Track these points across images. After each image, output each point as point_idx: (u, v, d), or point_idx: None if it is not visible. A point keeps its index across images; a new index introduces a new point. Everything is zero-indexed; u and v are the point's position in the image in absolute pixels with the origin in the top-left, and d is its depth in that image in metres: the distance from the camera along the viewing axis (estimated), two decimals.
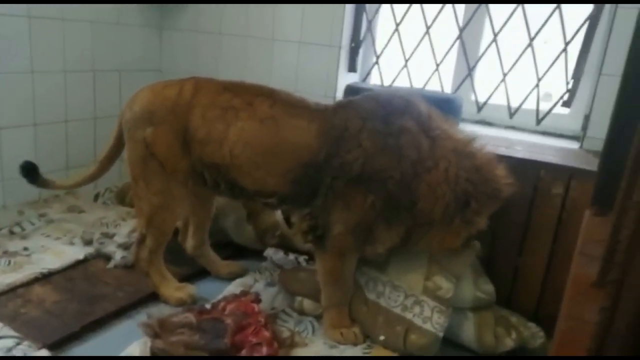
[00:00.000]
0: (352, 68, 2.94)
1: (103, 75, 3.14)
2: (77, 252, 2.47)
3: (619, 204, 0.59)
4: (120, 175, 3.32)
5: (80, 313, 2.03)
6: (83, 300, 2.13)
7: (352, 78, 2.95)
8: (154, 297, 2.23)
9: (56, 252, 2.43)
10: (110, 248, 2.48)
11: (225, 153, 2.02)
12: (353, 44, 2.90)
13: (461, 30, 2.66)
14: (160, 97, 2.10)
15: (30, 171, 2.27)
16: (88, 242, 2.55)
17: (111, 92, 3.21)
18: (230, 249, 2.69)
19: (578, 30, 2.39)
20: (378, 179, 1.86)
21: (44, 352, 1.77)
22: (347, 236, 1.93)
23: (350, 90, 2.62)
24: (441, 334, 1.94)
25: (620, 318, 0.45)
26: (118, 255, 2.42)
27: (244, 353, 1.82)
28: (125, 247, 2.51)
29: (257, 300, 2.16)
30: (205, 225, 2.44)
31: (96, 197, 3.12)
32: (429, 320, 1.95)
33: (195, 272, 2.46)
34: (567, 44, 2.42)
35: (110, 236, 2.60)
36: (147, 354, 1.81)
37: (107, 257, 2.45)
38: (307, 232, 2.00)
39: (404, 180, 1.85)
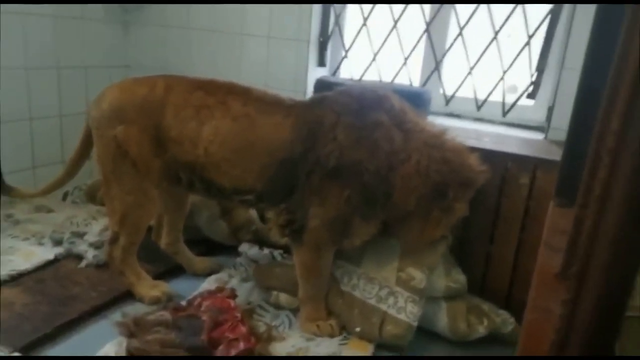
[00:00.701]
0: (321, 62, 2.95)
1: (68, 72, 3.06)
2: (47, 253, 2.42)
3: (580, 197, 0.63)
4: (89, 173, 3.25)
5: (52, 315, 2.00)
6: (55, 301, 2.09)
7: (322, 72, 2.96)
8: (128, 296, 2.20)
9: (25, 254, 2.38)
10: (81, 247, 2.44)
11: (200, 152, 2.00)
12: (321, 39, 2.91)
13: (428, 24, 2.70)
14: (131, 94, 2.07)
15: None
16: (58, 242, 2.50)
17: (77, 89, 3.13)
18: (204, 246, 2.68)
19: (540, 25, 2.46)
20: (354, 172, 1.88)
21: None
22: (324, 230, 1.95)
23: (321, 84, 2.64)
24: (415, 324, 1.98)
25: (582, 310, 0.47)
26: (90, 254, 2.39)
27: (221, 349, 1.82)
28: (96, 246, 2.47)
29: (233, 295, 2.17)
30: (180, 222, 2.42)
31: (65, 196, 3.06)
32: (403, 310, 1.99)
33: (170, 269, 2.45)
34: (530, 37, 2.49)
35: (81, 235, 2.55)
36: (123, 354, 1.80)
37: (79, 257, 2.41)
38: (284, 226, 2.01)
39: (379, 172, 1.88)
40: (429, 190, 1.89)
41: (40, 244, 2.50)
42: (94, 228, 2.63)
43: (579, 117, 0.99)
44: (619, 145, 0.56)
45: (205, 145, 2.00)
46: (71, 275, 2.30)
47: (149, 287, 2.21)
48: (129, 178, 2.07)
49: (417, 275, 2.03)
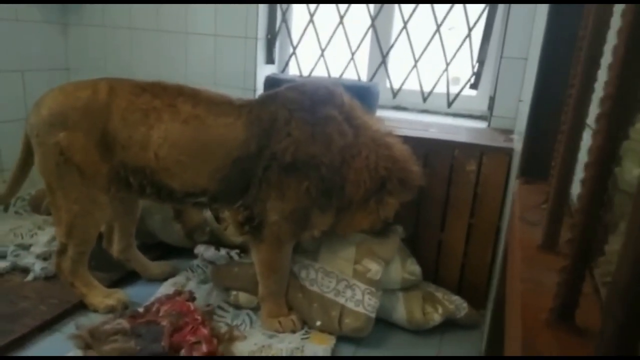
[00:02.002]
0: (269, 60, 2.95)
1: (3, 75, 2.92)
2: None
3: (556, 170, 0.66)
4: (32, 181, 3.11)
5: (0, 333, 1.91)
6: (2, 319, 1.99)
7: (271, 69, 2.96)
8: (81, 306, 2.14)
9: None
10: (27, 260, 2.34)
11: (150, 156, 1.97)
12: (269, 36, 2.91)
13: (373, 20, 2.75)
14: (72, 98, 1.99)
15: None
16: (1, 256, 2.39)
17: (14, 93, 2.99)
18: (159, 249, 2.63)
19: (479, 17, 2.55)
20: (311, 165, 1.92)
21: None
22: (284, 223, 1.97)
23: (270, 81, 2.64)
24: (373, 315, 2.02)
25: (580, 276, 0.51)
26: (37, 266, 2.29)
27: (183, 353, 1.80)
28: (44, 257, 2.38)
29: (192, 298, 2.14)
30: (131, 228, 2.36)
31: (6, 207, 2.91)
32: (361, 303, 2.03)
33: (124, 276, 2.39)
34: (470, 30, 2.58)
35: (26, 247, 2.45)
36: None
37: (25, 270, 2.31)
38: (242, 223, 2.01)
39: (334, 165, 1.95)
40: (374, 184, 1.98)
41: None
42: (40, 239, 2.53)
43: (538, 104, 1.05)
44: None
45: (155, 149, 1.96)
46: (18, 289, 2.20)
47: (103, 296, 2.15)
48: (74, 186, 1.99)
49: (373, 267, 2.07)
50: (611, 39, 0.64)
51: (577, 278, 0.54)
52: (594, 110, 0.69)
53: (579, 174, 0.70)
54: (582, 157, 0.68)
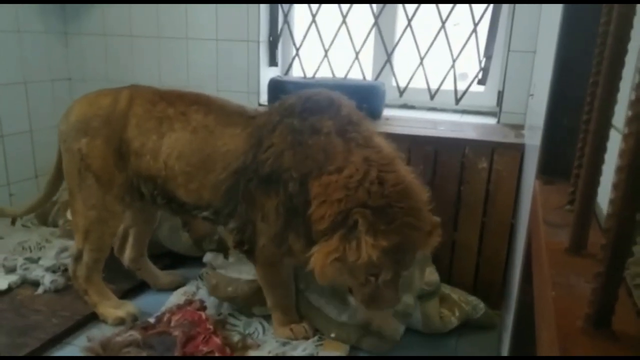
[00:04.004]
0: (272, 62, 2.92)
1: (7, 88, 2.90)
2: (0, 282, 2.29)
3: (583, 171, 0.63)
4: (37, 194, 3.11)
5: (11, 347, 1.89)
6: (13, 332, 1.98)
7: (274, 72, 2.93)
8: (92, 318, 2.12)
9: None
10: (37, 273, 2.32)
11: (160, 165, 1.94)
12: (271, 38, 2.88)
13: (376, 18, 2.71)
14: (96, 106, 2.02)
15: None
16: (11, 270, 2.37)
17: (18, 105, 2.98)
18: (168, 259, 2.61)
19: (485, 12, 2.51)
20: (282, 180, 1.74)
21: None
22: (271, 247, 1.86)
23: (274, 84, 2.62)
24: (398, 337, 1.99)
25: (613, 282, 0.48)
26: (47, 279, 2.27)
27: None
28: (53, 270, 2.36)
29: (203, 307, 2.12)
30: (146, 237, 2.36)
31: (13, 220, 2.90)
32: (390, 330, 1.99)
33: (134, 287, 2.37)
34: (475, 25, 2.54)
35: (35, 260, 2.43)
36: None
37: (35, 283, 2.29)
38: (235, 246, 1.96)
39: (303, 181, 1.70)
40: (342, 213, 1.59)
41: None
42: (49, 252, 2.51)
43: (556, 100, 1.01)
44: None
45: (164, 159, 1.93)
46: (28, 303, 2.19)
47: (113, 307, 2.13)
48: (91, 193, 2.01)
49: (410, 302, 2.01)
50: (635, 38, 0.61)
51: (612, 284, 0.51)
52: (619, 109, 0.66)
53: (605, 174, 0.67)
54: (608, 157, 0.65)
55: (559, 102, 1.00)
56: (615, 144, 0.66)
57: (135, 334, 1.89)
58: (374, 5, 2.71)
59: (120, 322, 2.09)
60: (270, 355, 1.92)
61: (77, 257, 2.10)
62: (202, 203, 1.95)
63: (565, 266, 0.63)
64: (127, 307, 2.15)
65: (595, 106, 0.63)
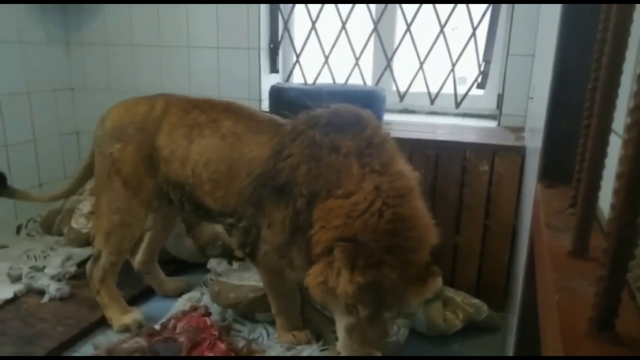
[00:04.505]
0: (273, 69, 2.94)
1: (10, 99, 2.92)
2: (5, 291, 2.29)
3: (584, 176, 0.64)
4: (41, 203, 3.13)
5: (18, 356, 1.90)
6: (20, 341, 1.99)
7: (275, 79, 2.95)
8: (98, 325, 2.13)
9: None
10: (42, 281, 2.33)
11: (188, 172, 1.95)
12: (272, 45, 2.90)
13: (375, 23, 2.74)
14: (131, 113, 2.05)
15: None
16: (16, 279, 2.39)
17: (21, 116, 3.00)
18: (173, 265, 2.63)
19: (483, 15, 2.53)
20: (293, 193, 1.70)
21: None
22: (274, 256, 1.84)
23: (275, 90, 2.63)
24: (402, 342, 2.00)
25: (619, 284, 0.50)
26: (52, 288, 2.28)
27: None
28: (58, 278, 2.37)
29: (208, 313, 2.13)
30: (160, 242, 2.38)
31: (18, 229, 2.92)
32: (395, 334, 1.99)
33: (140, 293, 2.38)
34: (474, 29, 2.56)
35: (40, 269, 2.44)
36: None
37: (40, 292, 2.30)
38: (239, 247, 1.96)
39: (311, 200, 1.65)
40: (343, 237, 1.53)
41: None
42: (54, 260, 2.53)
43: (556, 105, 1.03)
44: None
45: (192, 165, 1.94)
46: (34, 311, 2.20)
47: (121, 313, 2.15)
48: (118, 196, 2.04)
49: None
50: (632, 44, 0.62)
51: (615, 288, 0.53)
52: (618, 115, 0.67)
53: (606, 178, 0.68)
54: (609, 161, 0.67)
55: (558, 106, 1.02)
56: (615, 147, 0.67)
57: (141, 341, 1.90)
58: (373, 10, 2.74)
59: (126, 329, 2.10)
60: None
61: (96, 258, 2.14)
62: (228, 210, 1.93)
63: (568, 269, 0.64)
64: (134, 315, 2.16)
65: (594, 112, 0.64)
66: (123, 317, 2.13)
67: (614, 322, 0.53)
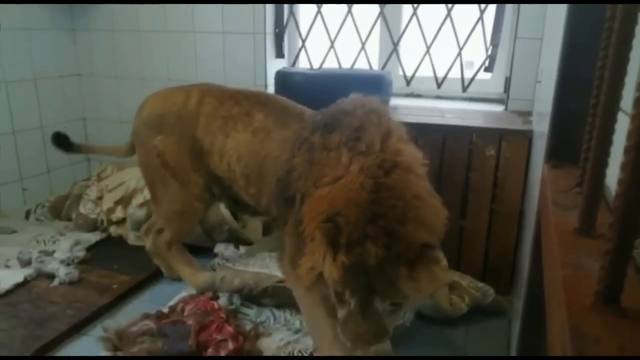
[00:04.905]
0: (279, 54, 2.93)
1: (17, 85, 2.94)
2: (15, 275, 2.32)
3: (592, 153, 0.64)
4: (50, 189, 3.16)
5: (29, 338, 1.93)
6: (31, 324, 2.02)
7: (281, 64, 2.94)
8: (107, 309, 2.16)
9: None
10: (52, 266, 2.36)
11: (225, 166, 1.91)
12: (277, 30, 2.88)
13: (382, 7, 2.71)
14: (168, 103, 2.03)
15: (62, 141, 2.33)
16: (26, 263, 2.42)
17: (28, 102, 3.01)
18: None
19: None
20: (296, 201, 1.61)
21: None
22: (289, 266, 1.73)
23: (281, 75, 2.62)
24: (409, 324, 2.01)
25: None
26: (62, 272, 2.31)
27: (210, 351, 1.81)
28: (67, 262, 2.40)
29: (215, 297, 2.15)
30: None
31: (27, 214, 2.95)
32: (401, 318, 2.00)
33: (148, 277, 2.39)
34: (482, 12, 2.53)
35: (49, 253, 2.47)
36: None
37: (50, 276, 2.33)
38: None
39: (303, 202, 1.54)
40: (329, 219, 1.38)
41: (7, 266, 2.41)
42: (63, 244, 2.55)
43: (564, 85, 1.02)
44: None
45: (227, 160, 1.90)
46: (44, 295, 2.23)
47: (194, 272, 2.23)
48: (172, 188, 2.05)
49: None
50: None
51: (621, 261, 0.53)
52: (627, 92, 0.67)
53: (613, 157, 0.68)
54: (617, 141, 0.66)
55: (566, 86, 1.01)
56: (623, 127, 0.67)
57: (149, 323, 1.92)
58: None
59: (201, 286, 2.16)
60: (282, 342, 1.95)
61: (160, 231, 2.20)
62: (261, 209, 1.89)
63: (574, 246, 0.64)
64: (206, 275, 2.23)
65: (603, 89, 0.64)
66: (197, 276, 2.20)
67: (619, 295, 0.53)
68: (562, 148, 1.03)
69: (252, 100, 1.92)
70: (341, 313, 1.42)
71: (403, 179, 1.41)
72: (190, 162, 1.99)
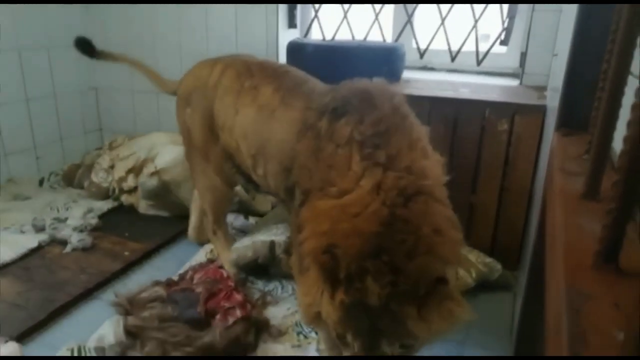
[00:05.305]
0: (291, 24, 2.89)
1: (30, 52, 2.94)
2: (30, 240, 2.37)
3: (600, 116, 0.63)
4: (63, 157, 3.19)
5: (44, 301, 1.98)
6: (45, 287, 2.07)
7: (293, 34, 2.91)
8: (118, 275, 2.20)
9: (7, 243, 2.33)
10: (65, 232, 2.40)
11: (234, 144, 1.84)
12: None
13: None
14: (196, 77, 2.02)
15: (85, 46, 2.36)
16: (40, 229, 2.46)
17: (41, 71, 3.02)
18: None
19: None
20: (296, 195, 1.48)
21: (11, 345, 1.72)
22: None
23: (293, 46, 2.60)
24: None
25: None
26: (74, 238, 2.35)
27: (218, 318, 1.84)
28: (80, 229, 2.44)
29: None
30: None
31: (41, 182, 2.99)
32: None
33: (158, 247, 2.43)
34: None
35: (62, 220, 2.51)
36: (121, 331, 1.80)
37: (63, 242, 2.38)
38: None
39: (304, 200, 1.40)
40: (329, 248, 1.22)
41: (22, 232, 2.46)
42: (76, 212, 2.60)
43: (577, 54, 1.00)
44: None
45: (236, 137, 1.81)
46: (57, 260, 2.28)
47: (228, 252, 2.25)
48: (199, 161, 2.07)
49: None
50: None
51: (622, 220, 0.52)
52: (636, 62, 0.65)
53: (622, 122, 0.67)
54: (626, 103, 0.65)
55: (579, 56, 0.99)
56: (632, 91, 0.65)
57: (159, 290, 1.96)
58: None
59: (232, 264, 2.19)
60: (289, 311, 1.97)
61: (205, 213, 2.24)
62: (271, 190, 1.80)
63: (578, 210, 0.64)
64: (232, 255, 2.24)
65: (614, 52, 0.62)
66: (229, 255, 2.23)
67: (618, 254, 0.53)
68: (573, 116, 1.02)
69: (266, 72, 1.79)
70: (346, 353, 1.26)
71: (423, 210, 1.21)
72: (210, 136, 1.97)
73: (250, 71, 1.83)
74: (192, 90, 2.00)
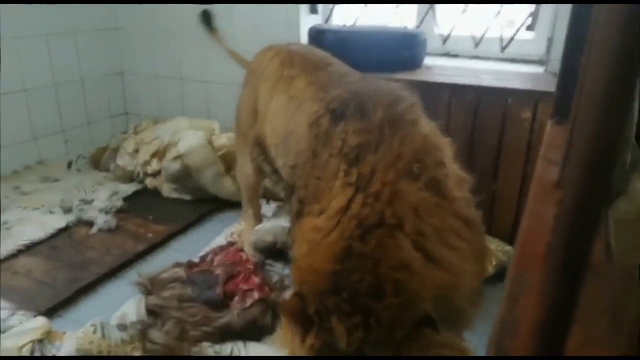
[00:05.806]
0: (313, 10, 2.88)
1: (56, 37, 3.01)
2: (58, 221, 2.46)
3: (574, 113, 0.63)
4: (90, 141, 3.27)
5: (70, 279, 2.06)
6: (72, 266, 2.15)
7: (315, 20, 2.90)
8: (141, 256, 2.27)
9: (36, 223, 2.42)
10: (91, 213, 2.48)
11: (264, 130, 1.83)
12: None
13: None
14: (254, 61, 2.07)
15: (208, 19, 2.56)
16: (68, 210, 2.54)
17: (68, 55, 3.09)
18: (214, 204, 2.72)
19: None
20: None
21: (40, 319, 1.79)
22: None
23: (314, 32, 2.59)
24: None
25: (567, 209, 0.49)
26: (100, 219, 2.42)
27: (236, 300, 1.88)
28: (106, 211, 2.51)
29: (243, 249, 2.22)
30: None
31: (69, 164, 3.08)
32: None
33: (181, 229, 2.49)
34: None
35: (89, 202, 2.59)
36: (142, 310, 1.86)
37: (89, 223, 2.45)
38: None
39: (299, 210, 1.32)
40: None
41: (51, 212, 2.54)
42: (102, 194, 2.67)
43: (573, 39, 0.98)
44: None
45: (266, 123, 1.81)
46: (84, 240, 2.36)
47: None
48: (240, 141, 2.14)
49: None
50: None
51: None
52: None
53: None
54: None
55: (573, 43, 0.97)
56: None
57: (180, 271, 2.01)
58: None
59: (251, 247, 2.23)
60: None
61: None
62: (290, 184, 1.67)
63: (547, 198, 0.63)
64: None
65: None
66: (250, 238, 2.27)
67: None
68: (566, 104, 1.00)
69: (306, 65, 1.72)
70: None
71: (387, 245, 1.02)
72: (253, 121, 1.97)
73: (292, 61, 1.79)
74: (249, 73, 2.07)
